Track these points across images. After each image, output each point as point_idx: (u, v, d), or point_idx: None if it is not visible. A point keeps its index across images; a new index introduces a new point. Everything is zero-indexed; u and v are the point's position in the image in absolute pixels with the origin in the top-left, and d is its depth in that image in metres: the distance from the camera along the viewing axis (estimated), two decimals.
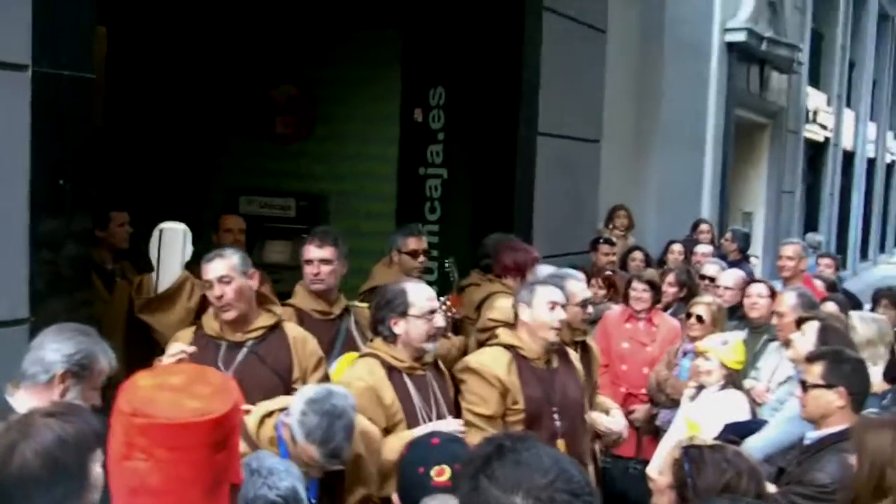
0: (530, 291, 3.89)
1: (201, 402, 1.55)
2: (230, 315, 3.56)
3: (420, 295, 3.55)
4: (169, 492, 1.52)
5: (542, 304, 3.81)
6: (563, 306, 3.88)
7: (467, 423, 3.57)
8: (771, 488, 3.05)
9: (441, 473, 2.17)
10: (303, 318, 4.05)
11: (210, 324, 3.64)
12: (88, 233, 3.70)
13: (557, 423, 3.75)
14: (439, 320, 3.54)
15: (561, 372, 3.88)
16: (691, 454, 2.43)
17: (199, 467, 1.53)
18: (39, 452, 1.96)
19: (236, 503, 1.67)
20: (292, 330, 3.72)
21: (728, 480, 2.32)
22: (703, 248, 7.70)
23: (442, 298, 4.17)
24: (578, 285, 4.34)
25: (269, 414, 3.03)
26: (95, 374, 2.66)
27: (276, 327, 3.66)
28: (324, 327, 4.04)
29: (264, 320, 3.64)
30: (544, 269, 4.77)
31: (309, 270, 4.13)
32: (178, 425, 1.51)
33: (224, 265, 3.58)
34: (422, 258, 5.18)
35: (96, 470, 2.07)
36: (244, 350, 3.57)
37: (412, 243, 5.15)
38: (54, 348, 2.59)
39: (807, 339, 3.99)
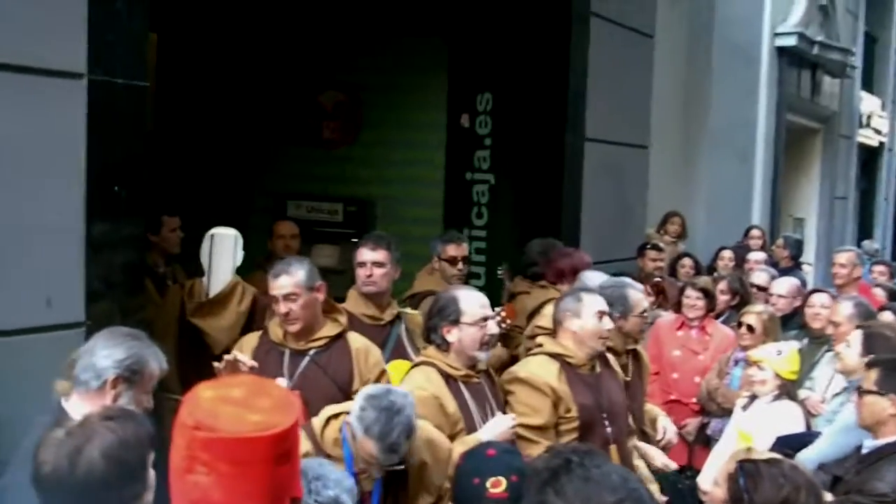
0: (577, 300, 3.83)
1: (263, 415, 1.54)
2: (296, 328, 3.61)
3: (473, 302, 3.52)
4: None
5: (591, 314, 3.76)
6: (611, 315, 3.86)
7: (518, 437, 3.51)
8: (827, 497, 2.99)
9: (497, 485, 2.16)
10: (353, 323, 4.02)
11: (275, 330, 3.67)
12: (142, 237, 3.75)
13: (609, 430, 3.71)
14: (493, 328, 3.50)
15: (605, 377, 3.84)
16: (747, 468, 2.37)
17: (261, 482, 1.52)
18: (105, 454, 1.98)
19: None
20: (356, 340, 3.73)
21: (786, 496, 2.26)
22: (756, 255, 7.58)
23: (497, 309, 4.15)
24: (639, 295, 4.31)
25: (336, 416, 3.04)
26: (146, 378, 2.67)
27: (339, 336, 3.68)
28: (374, 332, 4.02)
29: (328, 330, 3.67)
30: (594, 277, 4.71)
31: (361, 273, 4.12)
32: (241, 440, 1.50)
33: (290, 282, 3.58)
34: (461, 265, 5.18)
35: (152, 472, 2.10)
36: (307, 359, 3.60)
37: (451, 250, 5.14)
38: (105, 354, 2.61)
39: (852, 349, 3.91)
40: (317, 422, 3.04)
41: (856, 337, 3.96)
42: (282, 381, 3.46)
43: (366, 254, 4.14)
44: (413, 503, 3.01)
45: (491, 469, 2.19)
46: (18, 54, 3.12)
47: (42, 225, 3.20)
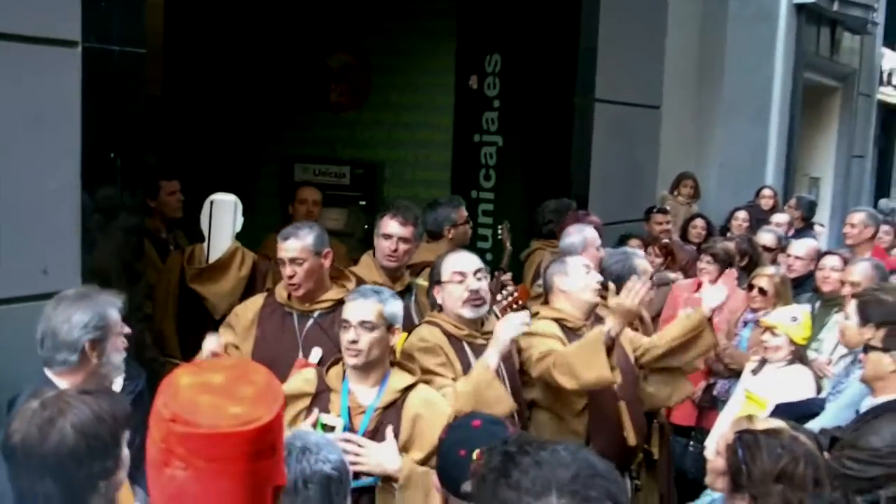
0: (561, 261, 3.95)
1: (245, 407, 1.45)
2: (299, 293, 3.62)
3: (452, 260, 3.54)
4: (208, 501, 1.45)
5: (578, 269, 3.86)
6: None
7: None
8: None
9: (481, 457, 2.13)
10: None
11: (280, 292, 3.70)
12: (139, 204, 3.74)
13: (615, 387, 3.72)
14: (473, 283, 3.45)
15: None
16: (745, 440, 2.35)
17: (241, 477, 1.44)
18: (77, 427, 1.99)
19: (279, 500, 1.58)
20: None
21: (784, 466, 2.24)
22: (779, 217, 7.47)
23: (510, 289, 4.13)
24: (644, 263, 4.42)
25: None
26: (113, 324, 2.67)
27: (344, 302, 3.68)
28: None
29: (334, 294, 3.66)
30: (573, 231, 4.66)
31: (386, 245, 4.06)
32: (219, 435, 1.42)
33: (298, 246, 3.59)
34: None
35: (125, 450, 2.10)
36: (311, 321, 3.62)
37: (464, 212, 5.13)
38: (67, 329, 2.60)
39: (851, 320, 3.89)
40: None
41: (852, 307, 3.92)
42: (317, 352, 3.49)
43: (394, 227, 4.08)
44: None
45: (477, 440, 2.15)
46: (12, 22, 3.11)
47: (38, 193, 3.21)
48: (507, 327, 3.34)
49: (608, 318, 3.53)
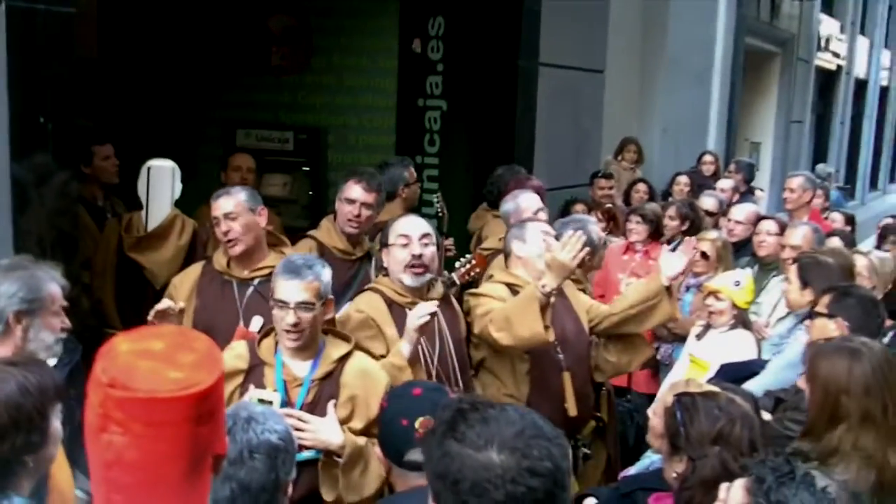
0: (521, 228, 3.87)
1: (184, 372, 1.42)
2: (237, 250, 3.55)
3: (400, 224, 3.50)
4: (146, 467, 1.41)
5: (536, 236, 3.81)
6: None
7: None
8: (766, 416, 3.04)
9: (426, 425, 2.12)
10: (323, 253, 3.98)
11: (219, 260, 3.64)
12: (72, 170, 3.62)
13: (560, 356, 3.72)
14: (416, 248, 3.40)
15: (559, 307, 3.83)
16: (684, 402, 2.38)
17: (179, 442, 1.41)
18: (1, 400, 1.93)
19: (220, 469, 1.56)
20: None
21: (720, 428, 2.27)
22: (724, 183, 7.55)
23: (467, 256, 4.10)
24: (598, 229, 4.39)
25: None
26: (48, 300, 2.56)
27: None
28: (343, 267, 3.96)
29: (272, 260, 3.58)
30: (529, 199, 4.64)
31: (349, 210, 4.02)
32: (158, 399, 1.38)
33: (231, 201, 3.57)
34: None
35: (56, 424, 2.04)
36: (251, 288, 3.56)
37: (413, 171, 5.10)
38: None
39: (793, 285, 3.97)
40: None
41: (793, 271, 4.00)
42: (258, 320, 3.41)
43: (358, 192, 4.04)
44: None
45: (418, 409, 2.16)
46: None
47: None
48: (413, 317, 3.23)
49: (544, 274, 3.47)
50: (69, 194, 3.51)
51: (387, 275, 3.54)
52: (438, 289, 3.60)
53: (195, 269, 3.69)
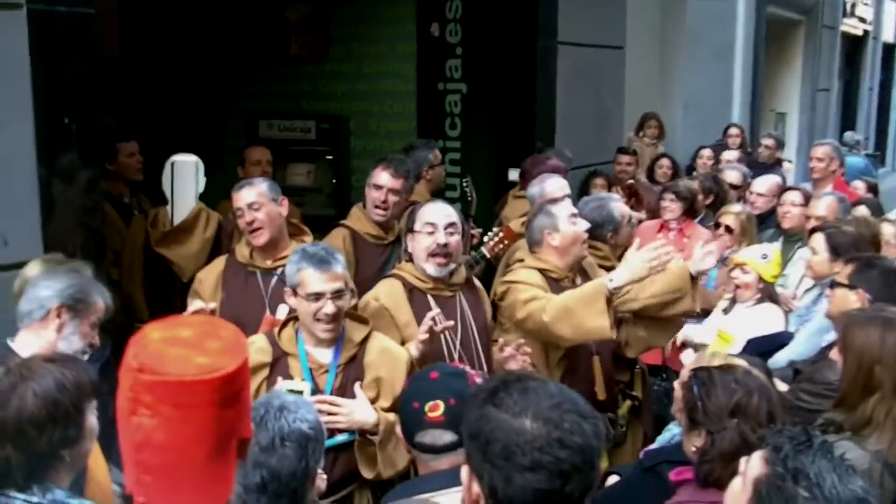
0: (548, 214, 3.82)
1: (210, 358, 1.50)
2: (261, 239, 3.59)
3: (428, 210, 3.50)
4: (174, 448, 1.49)
5: (564, 220, 3.77)
6: (602, 233, 3.97)
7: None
8: (781, 387, 3.03)
9: (435, 409, 2.16)
10: (356, 240, 4.04)
11: (241, 251, 3.69)
12: (98, 168, 3.68)
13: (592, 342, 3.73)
14: (441, 236, 3.40)
15: None
16: (700, 376, 2.38)
17: (205, 425, 1.49)
18: (39, 395, 1.99)
19: (246, 454, 1.64)
20: None
21: (738, 401, 2.27)
22: (729, 154, 7.50)
23: (496, 230, 4.11)
24: (622, 206, 4.36)
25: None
26: (91, 309, 2.66)
27: None
28: (375, 252, 4.03)
29: (294, 248, 3.61)
30: (555, 183, 4.62)
31: (376, 196, 4.07)
32: (185, 383, 1.46)
33: (253, 192, 3.62)
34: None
35: (91, 419, 2.10)
36: (275, 278, 3.59)
37: (438, 153, 5.10)
38: (47, 285, 2.61)
39: (819, 254, 3.93)
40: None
41: (819, 241, 3.97)
42: (283, 309, 3.42)
43: (385, 178, 4.08)
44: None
45: (431, 392, 2.19)
46: None
47: None
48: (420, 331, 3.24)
49: (620, 267, 3.46)
50: (96, 192, 3.57)
51: (410, 259, 3.54)
52: (461, 274, 3.59)
53: (219, 263, 3.73)
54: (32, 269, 2.86)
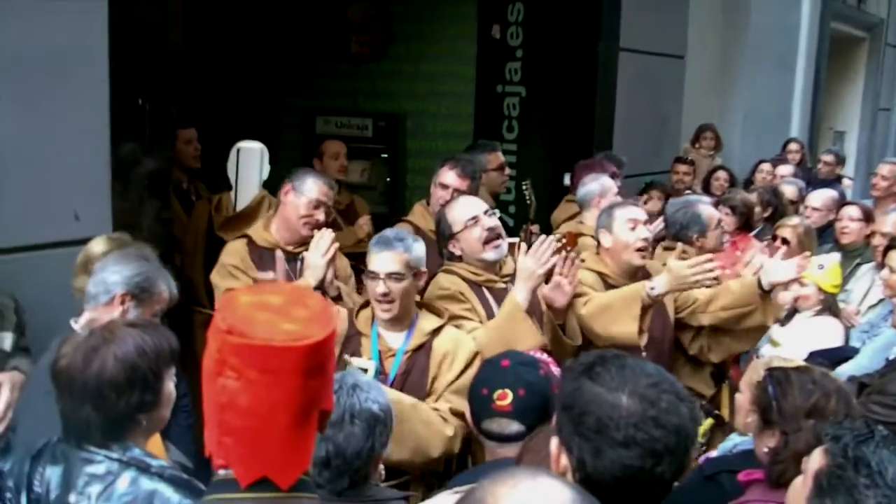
0: (608, 215, 3.79)
1: (298, 325, 1.50)
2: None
3: (456, 209, 3.51)
4: (257, 413, 1.49)
5: (622, 225, 3.70)
6: (686, 236, 3.90)
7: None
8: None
9: (503, 398, 2.15)
10: (420, 237, 4.02)
11: (262, 235, 3.65)
12: (167, 150, 3.74)
13: (643, 355, 3.67)
14: (487, 221, 3.43)
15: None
16: (776, 376, 2.34)
17: (289, 392, 1.49)
18: (119, 358, 2.02)
19: (326, 427, 1.64)
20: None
21: (815, 402, 2.23)
22: (783, 169, 7.38)
23: (556, 234, 4.09)
24: (710, 209, 4.27)
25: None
26: (155, 298, 2.68)
27: None
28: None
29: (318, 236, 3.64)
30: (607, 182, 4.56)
31: (441, 195, 4.08)
32: (272, 348, 1.46)
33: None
34: (507, 171, 5.17)
35: (169, 385, 2.13)
36: (299, 263, 3.59)
37: (500, 156, 5.09)
38: (115, 270, 2.63)
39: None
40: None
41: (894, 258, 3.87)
42: (269, 275, 3.42)
43: (451, 178, 4.11)
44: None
45: (501, 381, 2.18)
46: None
47: (68, 139, 3.20)
48: (529, 262, 3.20)
49: (662, 275, 3.42)
50: (163, 174, 3.62)
51: (455, 261, 3.52)
52: (510, 265, 3.58)
53: (239, 247, 3.64)
54: (97, 245, 2.89)
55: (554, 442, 1.49)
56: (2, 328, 2.79)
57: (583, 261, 3.80)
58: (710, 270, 3.36)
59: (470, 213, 3.45)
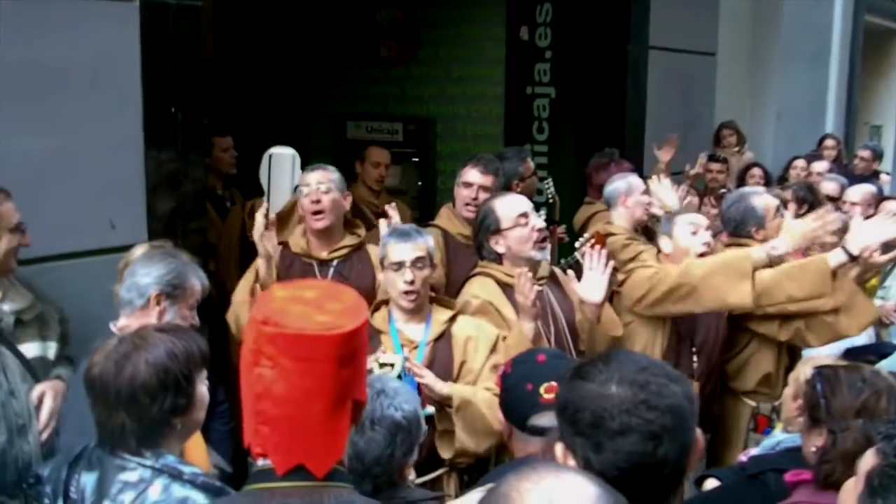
0: (669, 220, 3.83)
1: (331, 317, 1.57)
2: (321, 224, 3.61)
3: (507, 204, 3.50)
4: (291, 401, 1.55)
5: (684, 231, 3.73)
6: (745, 231, 3.90)
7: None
8: None
9: (551, 390, 2.13)
10: (448, 241, 4.04)
11: (297, 242, 3.70)
12: (201, 158, 3.77)
13: (695, 364, 3.67)
14: (536, 221, 3.45)
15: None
16: (825, 374, 2.29)
17: (322, 380, 1.55)
18: (150, 362, 2.04)
19: (360, 419, 1.68)
20: (375, 251, 3.71)
21: (864, 400, 2.18)
22: (818, 166, 7.27)
23: (586, 235, 4.08)
24: (764, 198, 4.12)
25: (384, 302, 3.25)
26: (189, 292, 2.71)
27: (359, 248, 3.73)
28: (467, 252, 3.96)
29: (349, 240, 3.71)
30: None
31: (466, 194, 4.06)
32: (305, 336, 1.53)
33: (325, 176, 3.67)
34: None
35: (202, 389, 2.14)
36: (331, 269, 3.64)
37: (531, 164, 5.10)
38: (145, 272, 2.67)
39: None
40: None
41: None
42: None
43: (475, 175, 4.08)
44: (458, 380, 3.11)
45: (544, 374, 2.17)
46: None
47: (102, 148, 3.24)
48: (520, 296, 3.21)
49: (783, 235, 3.51)
50: (198, 182, 3.64)
51: (493, 260, 3.51)
52: (545, 268, 3.58)
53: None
54: (139, 251, 2.93)
55: (559, 448, 1.49)
56: (47, 338, 2.83)
57: (633, 270, 3.79)
58: (832, 222, 3.41)
59: (521, 210, 3.46)
